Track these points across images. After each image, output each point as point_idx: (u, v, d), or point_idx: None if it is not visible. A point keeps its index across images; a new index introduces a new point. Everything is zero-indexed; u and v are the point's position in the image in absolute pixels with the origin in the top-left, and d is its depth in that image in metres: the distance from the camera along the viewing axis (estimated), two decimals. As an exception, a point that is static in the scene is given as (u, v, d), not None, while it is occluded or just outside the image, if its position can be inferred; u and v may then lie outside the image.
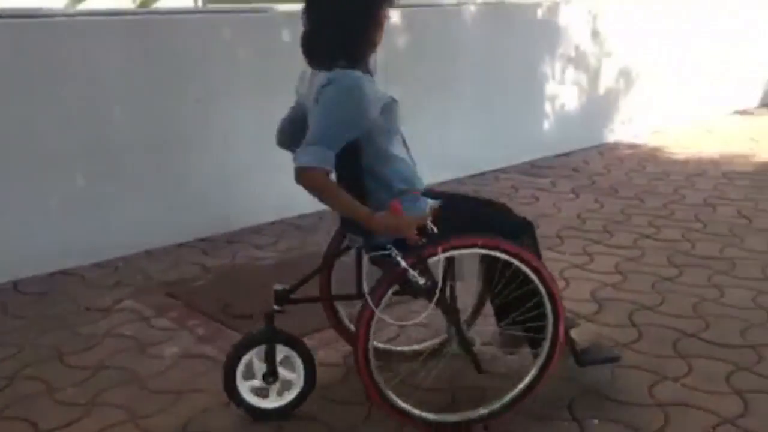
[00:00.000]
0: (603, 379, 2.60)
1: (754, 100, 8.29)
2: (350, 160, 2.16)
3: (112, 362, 2.83)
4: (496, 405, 2.34)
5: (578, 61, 6.14)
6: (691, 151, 6.20)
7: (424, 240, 2.18)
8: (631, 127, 6.80)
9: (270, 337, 2.40)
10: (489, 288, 2.45)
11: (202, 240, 4.18)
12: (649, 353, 2.79)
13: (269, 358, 2.39)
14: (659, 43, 6.84)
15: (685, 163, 5.80)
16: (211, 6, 4.66)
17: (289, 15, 4.47)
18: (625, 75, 6.62)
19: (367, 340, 2.20)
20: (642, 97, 6.81)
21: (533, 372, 2.35)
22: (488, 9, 5.51)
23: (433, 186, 5.15)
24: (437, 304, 2.23)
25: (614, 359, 2.61)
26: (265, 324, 2.41)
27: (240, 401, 2.42)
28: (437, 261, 2.22)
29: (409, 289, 2.23)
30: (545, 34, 5.87)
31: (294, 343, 2.45)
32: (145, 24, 3.99)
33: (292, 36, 4.40)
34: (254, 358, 2.41)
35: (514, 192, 5.05)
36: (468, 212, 2.49)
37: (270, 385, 2.42)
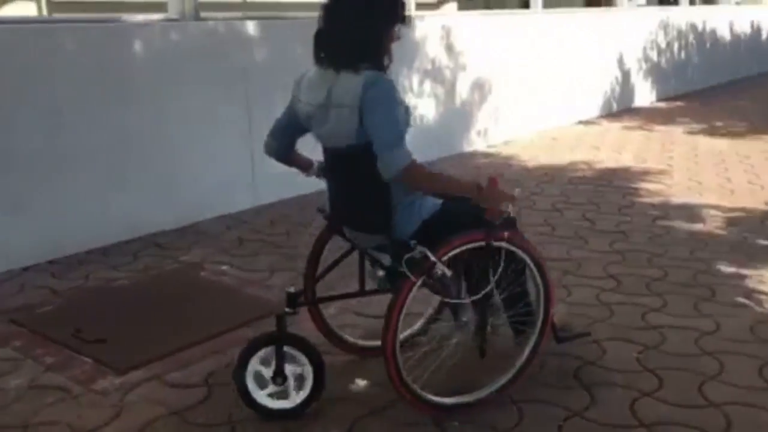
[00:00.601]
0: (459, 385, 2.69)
1: (596, 111, 8.91)
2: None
3: (-52, 399, 2.61)
4: (498, 383, 2.53)
5: (435, 74, 6.35)
6: (540, 159, 6.56)
7: (504, 215, 2.31)
8: (486, 137, 7.11)
9: (279, 339, 2.41)
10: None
11: (51, 262, 3.94)
12: (499, 353, 2.90)
13: (278, 360, 2.40)
14: (510, 58, 7.21)
15: (535, 170, 6.14)
16: (57, 16, 4.43)
17: (141, 25, 4.33)
18: (479, 88, 6.92)
19: (396, 331, 2.27)
20: (495, 109, 7.15)
21: (527, 352, 2.57)
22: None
23: (296, 198, 5.15)
24: (471, 294, 2.42)
25: (585, 335, 2.87)
26: (277, 326, 2.41)
27: (262, 409, 2.42)
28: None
29: (432, 283, 2.31)
30: (402, 48, 6.01)
31: (301, 343, 2.47)
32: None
33: (143, 47, 4.27)
34: (258, 363, 2.42)
35: (377, 202, 5.13)
36: (468, 209, 2.44)
37: (282, 386, 2.43)
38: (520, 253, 2.46)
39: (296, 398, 2.46)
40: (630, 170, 6.04)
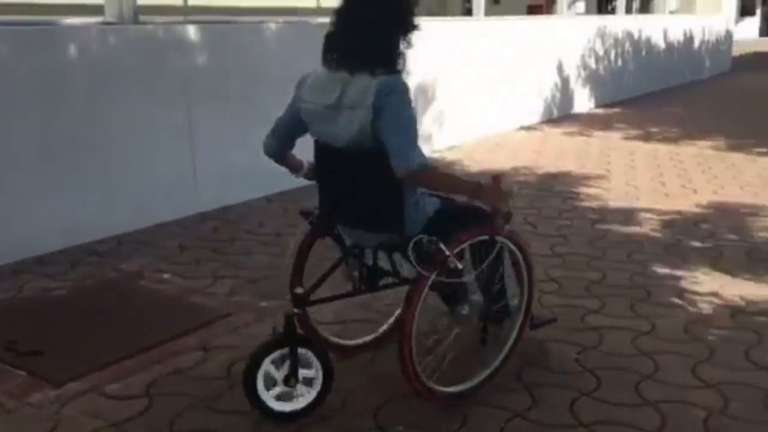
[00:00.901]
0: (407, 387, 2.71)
1: (537, 117, 9.08)
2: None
3: None
4: (491, 368, 2.69)
5: (378, 79, 6.36)
6: (483, 164, 6.65)
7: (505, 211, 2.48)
8: (430, 142, 7.17)
9: (292, 340, 2.41)
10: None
11: (-18, 272, 3.81)
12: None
13: (291, 361, 2.41)
14: (453, 65, 7.29)
15: (479, 175, 6.22)
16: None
17: (77, 28, 4.23)
18: (423, 93, 6.97)
19: (413, 324, 2.34)
20: (439, 114, 7.21)
21: (513, 336, 2.77)
22: (288, 27, 5.57)
23: (239, 204, 5.11)
24: (482, 284, 2.59)
25: (553, 321, 3.07)
26: (285, 327, 2.42)
27: (269, 411, 2.42)
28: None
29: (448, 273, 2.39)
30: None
31: (310, 344, 2.50)
32: None
33: (80, 50, 4.17)
34: (270, 365, 2.41)
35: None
36: (462, 205, 2.56)
37: (292, 388, 2.44)
38: (511, 245, 2.65)
39: (304, 400, 2.47)
40: (570, 175, 6.18)
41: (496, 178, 2.45)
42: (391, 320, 3.00)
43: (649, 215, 4.94)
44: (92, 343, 3.05)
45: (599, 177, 6.11)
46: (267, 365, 2.42)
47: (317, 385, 2.49)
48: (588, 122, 9.09)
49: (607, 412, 2.54)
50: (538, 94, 9.07)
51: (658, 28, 12.34)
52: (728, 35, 15.88)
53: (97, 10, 4.61)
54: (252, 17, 5.52)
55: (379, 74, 2.27)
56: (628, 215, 4.94)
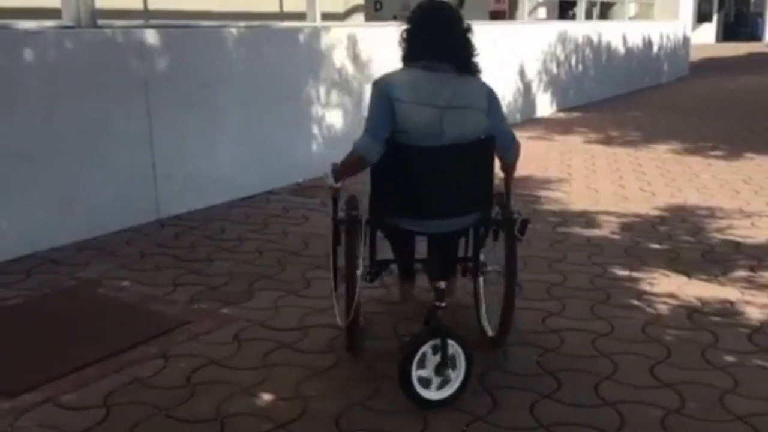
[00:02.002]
0: (369, 392, 2.71)
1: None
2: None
3: None
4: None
5: (342, 84, 6.37)
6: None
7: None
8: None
9: (443, 333, 2.56)
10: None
11: (-66, 282, 3.71)
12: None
13: (443, 352, 2.54)
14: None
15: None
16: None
17: (33, 32, 4.15)
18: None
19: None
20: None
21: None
22: (250, 32, 5.54)
23: (200, 210, 5.06)
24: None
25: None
26: (432, 319, 2.61)
27: (409, 388, 2.53)
28: None
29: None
30: (309, 58, 6.02)
31: (461, 340, 2.60)
32: None
33: (35, 55, 4.09)
34: (428, 351, 2.55)
35: (285, 212, 5.10)
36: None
37: (436, 377, 2.56)
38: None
39: (453, 385, 2.60)
40: (532, 179, 6.24)
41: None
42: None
43: (609, 218, 5.02)
44: (48, 353, 2.99)
45: (561, 180, 6.19)
46: (419, 357, 2.54)
47: (462, 371, 2.61)
48: (550, 126, 9.20)
49: (566, 414, 2.57)
50: (501, 98, 9.09)
51: (618, 34, 12.54)
52: (686, 40, 16.21)
53: (54, 13, 4.53)
54: (213, 21, 5.47)
55: (478, 75, 2.79)
56: (588, 218, 5.01)
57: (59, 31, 4.29)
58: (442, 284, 2.63)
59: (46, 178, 4.21)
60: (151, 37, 4.74)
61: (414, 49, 2.73)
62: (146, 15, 7.14)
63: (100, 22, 4.52)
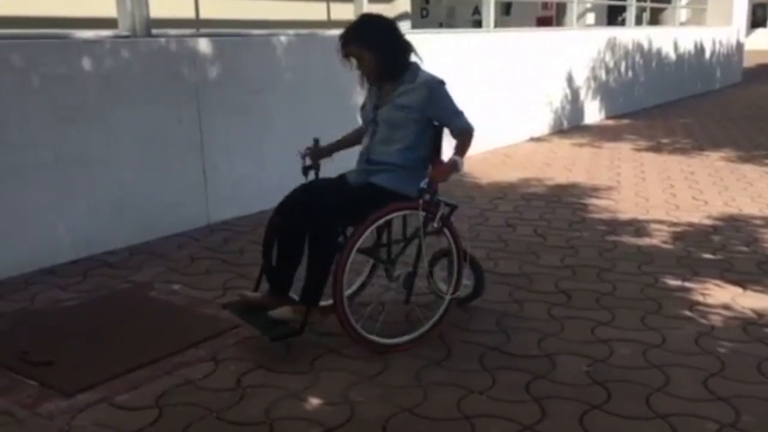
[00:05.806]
0: (417, 399, 2.71)
1: (547, 128, 9.08)
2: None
3: None
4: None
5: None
6: (493, 176, 6.65)
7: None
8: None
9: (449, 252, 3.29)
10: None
11: (-4, 283, 3.84)
12: (456, 369, 2.94)
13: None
14: (463, 77, 7.30)
15: (489, 187, 6.22)
16: (3, 31, 4.33)
17: (91, 42, 4.28)
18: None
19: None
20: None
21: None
22: (299, 39, 5.61)
23: (250, 215, 5.11)
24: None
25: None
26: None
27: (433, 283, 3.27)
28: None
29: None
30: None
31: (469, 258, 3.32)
32: None
33: (93, 64, 4.21)
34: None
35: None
36: None
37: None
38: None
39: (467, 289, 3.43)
40: (580, 186, 6.17)
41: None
42: (354, 287, 3.51)
43: (659, 227, 4.93)
44: (103, 354, 3.07)
45: (609, 188, 6.10)
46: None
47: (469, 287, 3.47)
48: (598, 133, 9.08)
49: (617, 425, 2.53)
50: (548, 105, 9.06)
51: (669, 40, 12.32)
52: (739, 46, 15.83)
53: (110, 23, 4.66)
54: (263, 30, 5.55)
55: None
56: (638, 227, 4.93)
57: (115, 41, 4.41)
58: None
59: (102, 183, 4.33)
60: (203, 45, 4.84)
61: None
62: (198, 24, 7.28)
63: (154, 31, 4.63)
